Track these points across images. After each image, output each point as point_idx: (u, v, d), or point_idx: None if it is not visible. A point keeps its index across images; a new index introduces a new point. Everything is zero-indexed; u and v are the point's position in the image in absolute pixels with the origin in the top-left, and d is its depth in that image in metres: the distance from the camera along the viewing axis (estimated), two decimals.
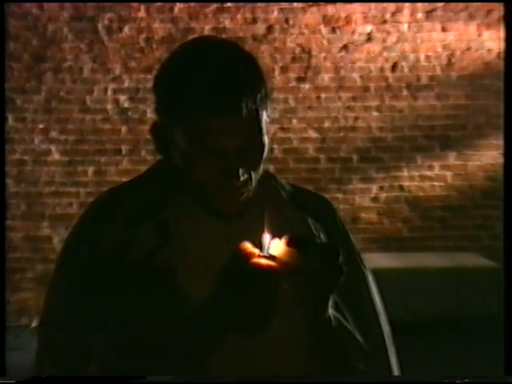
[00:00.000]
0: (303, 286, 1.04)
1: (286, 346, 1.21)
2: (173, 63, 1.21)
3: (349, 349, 1.20)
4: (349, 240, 1.37)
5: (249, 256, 1.03)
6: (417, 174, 5.82)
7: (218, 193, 1.19)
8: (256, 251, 1.04)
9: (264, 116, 1.19)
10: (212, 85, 1.13)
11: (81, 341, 1.18)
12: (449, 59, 5.79)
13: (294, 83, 5.79)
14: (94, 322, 1.17)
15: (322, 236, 1.29)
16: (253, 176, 1.20)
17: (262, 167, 1.23)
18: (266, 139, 1.20)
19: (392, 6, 5.78)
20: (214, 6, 5.75)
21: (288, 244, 1.04)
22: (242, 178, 1.17)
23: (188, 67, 1.17)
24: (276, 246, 1.05)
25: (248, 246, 1.04)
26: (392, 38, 5.80)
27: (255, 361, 1.19)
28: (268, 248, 1.05)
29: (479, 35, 5.78)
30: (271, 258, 1.04)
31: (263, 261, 1.03)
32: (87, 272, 1.21)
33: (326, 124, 5.80)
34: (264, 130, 1.19)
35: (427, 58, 5.80)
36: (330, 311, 1.13)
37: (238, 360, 1.19)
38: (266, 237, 1.06)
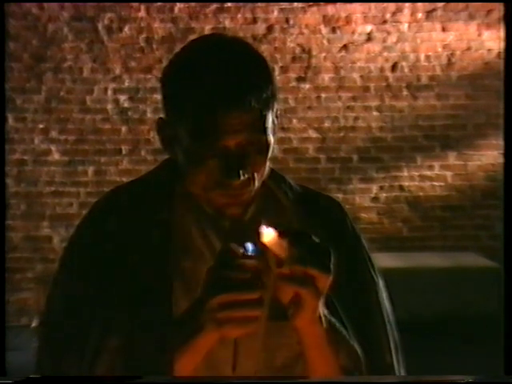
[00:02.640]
0: (288, 281, 1.02)
1: (274, 345, 1.20)
2: (180, 60, 1.20)
3: (343, 353, 1.17)
4: (359, 244, 1.32)
5: (232, 258, 1.02)
6: (417, 173, 5.82)
7: (219, 192, 1.17)
8: (240, 250, 1.03)
9: (269, 116, 1.17)
10: (217, 82, 1.13)
11: (78, 339, 1.17)
12: (449, 59, 5.79)
13: (294, 83, 5.78)
14: (93, 320, 1.17)
15: (327, 239, 1.26)
16: (256, 177, 1.18)
17: (266, 168, 1.21)
18: (271, 140, 1.18)
19: (392, 6, 5.77)
20: (214, 5, 5.75)
21: (280, 235, 1.02)
22: (242, 178, 1.15)
23: (194, 64, 1.17)
24: (267, 235, 1.03)
25: (231, 247, 1.03)
26: (392, 38, 5.80)
27: (244, 361, 1.17)
28: (260, 234, 1.03)
29: (479, 35, 5.78)
30: (255, 257, 1.03)
31: (248, 261, 1.02)
32: (88, 270, 1.21)
33: (326, 124, 5.80)
34: (269, 131, 1.17)
35: (427, 57, 5.80)
36: (322, 313, 1.11)
37: (227, 361, 1.17)
38: (264, 230, 1.05)
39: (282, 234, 1.03)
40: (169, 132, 1.21)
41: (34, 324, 4.98)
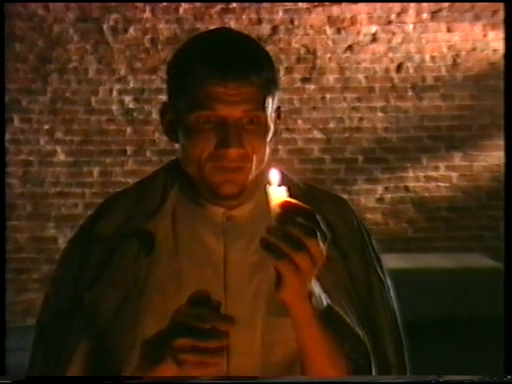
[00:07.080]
0: (265, 248, 1.00)
1: (270, 342, 1.20)
2: (183, 46, 1.24)
3: (348, 343, 1.15)
4: (366, 243, 1.31)
5: (200, 304, 1.06)
6: (422, 174, 5.82)
7: (214, 165, 1.16)
8: (209, 296, 1.07)
9: (270, 100, 1.18)
10: (217, 58, 1.15)
11: (60, 339, 1.19)
12: (454, 60, 5.79)
13: (298, 84, 5.78)
14: (75, 322, 1.19)
15: (333, 237, 1.21)
16: (253, 158, 1.18)
17: (265, 154, 1.20)
18: (270, 124, 1.19)
19: (397, 7, 5.77)
20: (219, 6, 5.75)
21: (283, 201, 1.00)
22: (238, 150, 1.15)
23: (197, 46, 1.20)
24: (273, 191, 1.02)
25: (202, 293, 1.06)
26: (397, 39, 5.80)
27: (238, 358, 1.18)
28: (273, 185, 1.02)
29: (484, 36, 5.77)
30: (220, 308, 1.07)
31: (212, 312, 1.05)
32: (79, 273, 1.22)
33: (331, 125, 5.80)
34: (268, 112, 1.18)
35: (432, 58, 5.80)
36: (318, 295, 1.09)
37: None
38: (275, 174, 1.03)
39: (285, 202, 1.01)
40: (171, 115, 1.23)
41: None
